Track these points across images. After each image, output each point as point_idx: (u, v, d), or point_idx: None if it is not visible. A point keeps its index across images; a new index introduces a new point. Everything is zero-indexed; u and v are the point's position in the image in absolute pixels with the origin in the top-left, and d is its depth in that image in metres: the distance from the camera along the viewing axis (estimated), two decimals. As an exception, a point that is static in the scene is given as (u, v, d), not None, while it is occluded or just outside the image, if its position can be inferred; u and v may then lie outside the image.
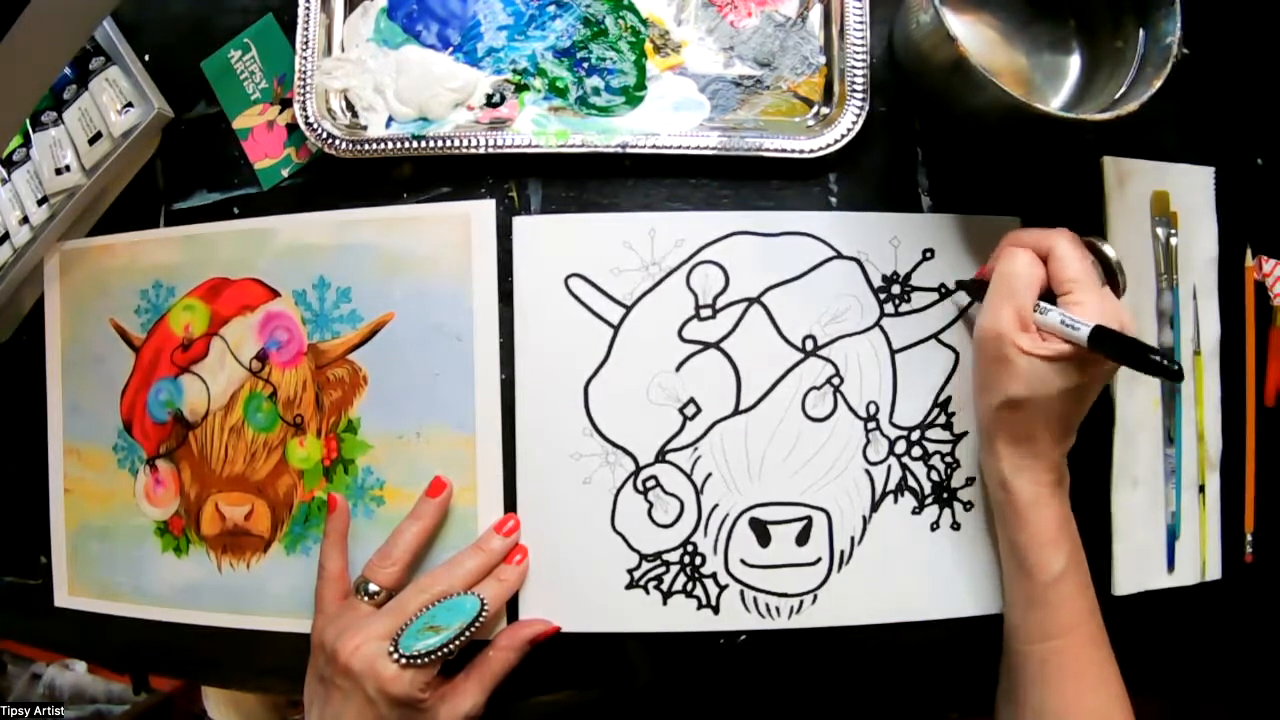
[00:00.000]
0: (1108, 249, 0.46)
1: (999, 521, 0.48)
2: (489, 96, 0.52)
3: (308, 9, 0.52)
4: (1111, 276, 0.46)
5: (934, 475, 0.51)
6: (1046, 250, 0.45)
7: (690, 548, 0.51)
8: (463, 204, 0.52)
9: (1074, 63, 0.51)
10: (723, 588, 0.51)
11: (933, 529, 0.51)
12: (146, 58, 0.56)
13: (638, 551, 0.51)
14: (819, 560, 0.51)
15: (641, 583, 0.51)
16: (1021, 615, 0.47)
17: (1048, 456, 0.45)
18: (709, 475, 0.51)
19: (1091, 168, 0.53)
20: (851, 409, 0.51)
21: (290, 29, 0.53)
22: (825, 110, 0.51)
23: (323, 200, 0.54)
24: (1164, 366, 0.40)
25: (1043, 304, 0.44)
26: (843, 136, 0.49)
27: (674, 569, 0.51)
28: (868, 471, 0.51)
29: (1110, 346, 0.41)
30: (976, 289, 0.49)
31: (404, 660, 0.44)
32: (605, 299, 0.51)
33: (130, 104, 0.54)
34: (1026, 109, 0.42)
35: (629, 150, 0.50)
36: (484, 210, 0.52)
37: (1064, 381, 0.43)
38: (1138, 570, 0.53)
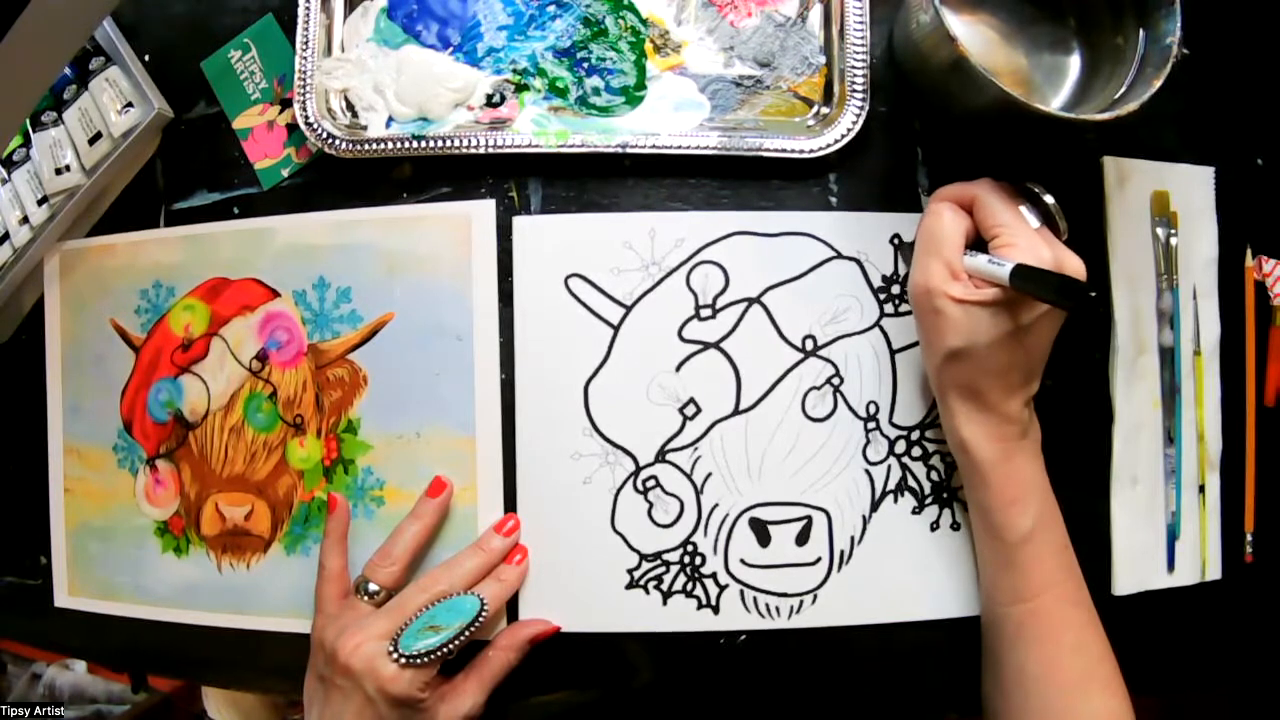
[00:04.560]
0: (1046, 195, 0.45)
1: (965, 484, 0.48)
2: (489, 96, 0.52)
3: (308, 9, 0.52)
4: (1050, 221, 0.45)
5: (934, 475, 0.51)
6: (970, 200, 0.45)
7: (690, 548, 0.51)
8: (463, 204, 0.52)
9: (1074, 63, 0.51)
10: (723, 588, 0.51)
11: (933, 529, 0.51)
12: (146, 58, 0.56)
13: (638, 551, 0.51)
14: (819, 560, 0.51)
15: (641, 583, 0.51)
16: (994, 577, 0.47)
17: (1002, 409, 0.44)
18: (709, 475, 0.51)
19: (1091, 168, 0.53)
20: (851, 409, 0.51)
21: (290, 29, 0.53)
22: (825, 110, 0.51)
23: (323, 200, 0.54)
24: (1078, 293, 0.38)
25: (971, 250, 0.44)
26: (843, 136, 0.49)
27: (674, 569, 0.51)
28: (867, 471, 0.51)
29: (1030, 282, 0.40)
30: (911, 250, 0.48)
31: (404, 660, 0.44)
32: (605, 299, 0.51)
33: (130, 104, 0.54)
34: (1027, 109, 0.42)
35: (629, 150, 0.50)
36: (484, 210, 0.52)
37: (1000, 326, 0.42)
38: (1138, 570, 0.53)
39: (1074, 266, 0.43)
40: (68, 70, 0.56)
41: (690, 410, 0.51)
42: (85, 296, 0.57)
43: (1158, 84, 0.44)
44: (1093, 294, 0.38)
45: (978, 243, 0.45)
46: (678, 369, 0.51)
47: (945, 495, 0.51)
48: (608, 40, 0.52)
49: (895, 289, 0.51)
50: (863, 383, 0.51)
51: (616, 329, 0.51)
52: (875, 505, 0.51)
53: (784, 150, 0.49)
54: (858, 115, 0.49)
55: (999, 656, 0.47)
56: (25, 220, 0.56)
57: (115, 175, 0.56)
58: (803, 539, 0.51)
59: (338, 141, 0.51)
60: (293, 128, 0.53)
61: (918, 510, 0.51)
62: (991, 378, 0.44)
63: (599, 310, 0.51)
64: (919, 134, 0.52)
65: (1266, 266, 0.56)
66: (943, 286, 0.43)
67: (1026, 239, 0.42)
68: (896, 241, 0.51)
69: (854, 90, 0.50)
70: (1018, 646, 0.45)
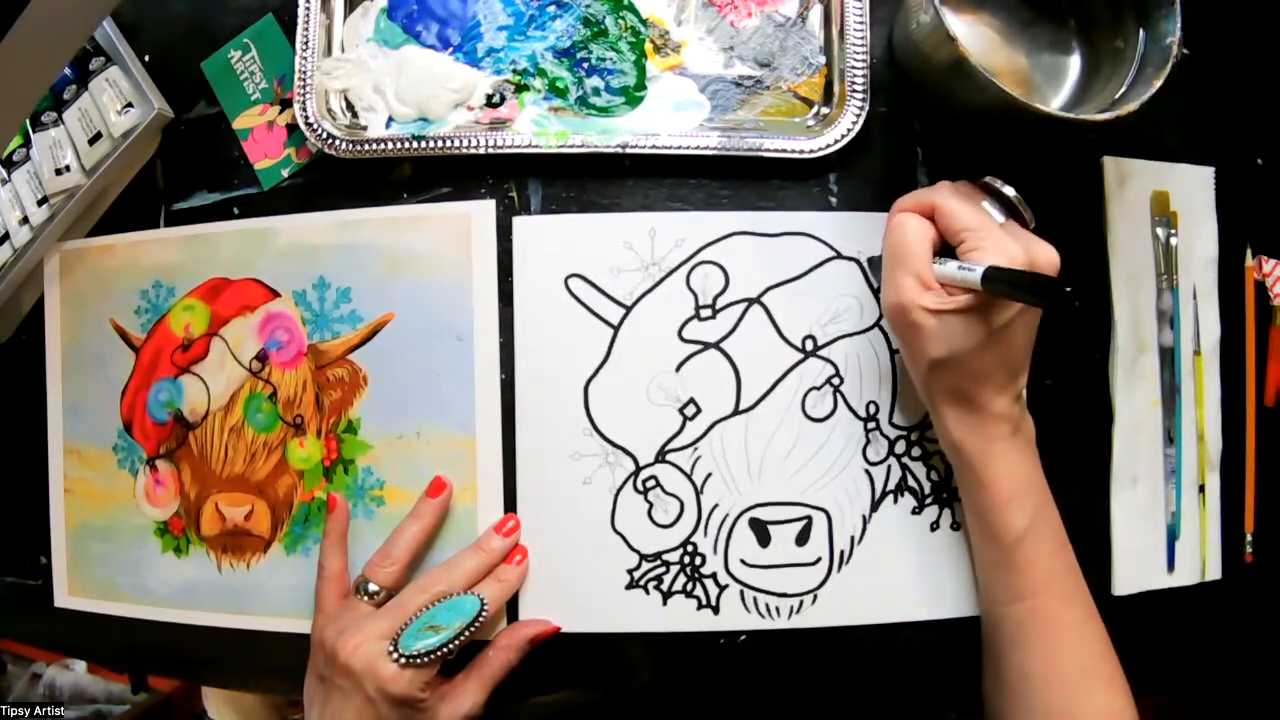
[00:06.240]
0: (1005, 188, 0.44)
1: (959, 487, 0.48)
2: (489, 96, 0.52)
3: (308, 9, 0.52)
4: (1015, 212, 0.45)
5: (934, 475, 0.51)
6: (931, 208, 0.44)
7: (690, 548, 0.51)
8: (463, 204, 0.52)
9: (1074, 63, 0.51)
10: (723, 588, 0.51)
11: (933, 529, 0.51)
12: (146, 58, 0.56)
13: (638, 551, 0.51)
14: (819, 560, 0.51)
15: (641, 583, 0.51)
16: (992, 578, 0.47)
17: (991, 409, 0.44)
18: (709, 475, 0.51)
19: (1091, 168, 0.53)
20: (851, 409, 0.51)
21: (290, 29, 0.53)
22: (825, 110, 0.51)
23: (323, 200, 0.54)
24: (1052, 291, 0.38)
25: (940, 258, 0.43)
26: (843, 136, 0.49)
27: (674, 569, 0.51)
28: (867, 471, 0.51)
29: (1003, 284, 0.39)
30: (879, 266, 0.48)
31: (404, 660, 0.44)
32: (605, 299, 0.51)
33: (130, 104, 0.54)
34: (1027, 109, 0.42)
35: (629, 150, 0.50)
36: (484, 210, 0.52)
37: (978, 330, 0.42)
38: (1138, 570, 0.53)
39: (1045, 257, 0.42)
40: (68, 70, 0.56)
41: (690, 410, 0.51)
42: (85, 296, 0.57)
43: (1158, 84, 0.44)
44: (1067, 289, 0.38)
45: (945, 248, 0.45)
46: (678, 369, 0.51)
47: (945, 495, 0.51)
48: (608, 40, 0.52)
49: (895, 289, 0.51)
50: (863, 383, 0.51)
51: (616, 329, 0.51)
52: (875, 505, 0.51)
53: (784, 150, 0.49)
54: (858, 115, 0.49)
55: (999, 656, 0.47)
56: (25, 220, 0.56)
57: (115, 175, 0.56)
58: (803, 539, 0.51)
59: (338, 141, 0.51)
60: (293, 128, 0.53)
61: (918, 510, 0.51)
62: (977, 380, 0.44)
63: (599, 310, 0.51)
64: (919, 134, 0.52)
65: (1266, 266, 0.56)
66: (916, 300, 0.43)
67: (994, 239, 0.42)
68: (866, 261, 0.51)
69: (854, 90, 0.50)
70: (1018, 645, 0.45)
